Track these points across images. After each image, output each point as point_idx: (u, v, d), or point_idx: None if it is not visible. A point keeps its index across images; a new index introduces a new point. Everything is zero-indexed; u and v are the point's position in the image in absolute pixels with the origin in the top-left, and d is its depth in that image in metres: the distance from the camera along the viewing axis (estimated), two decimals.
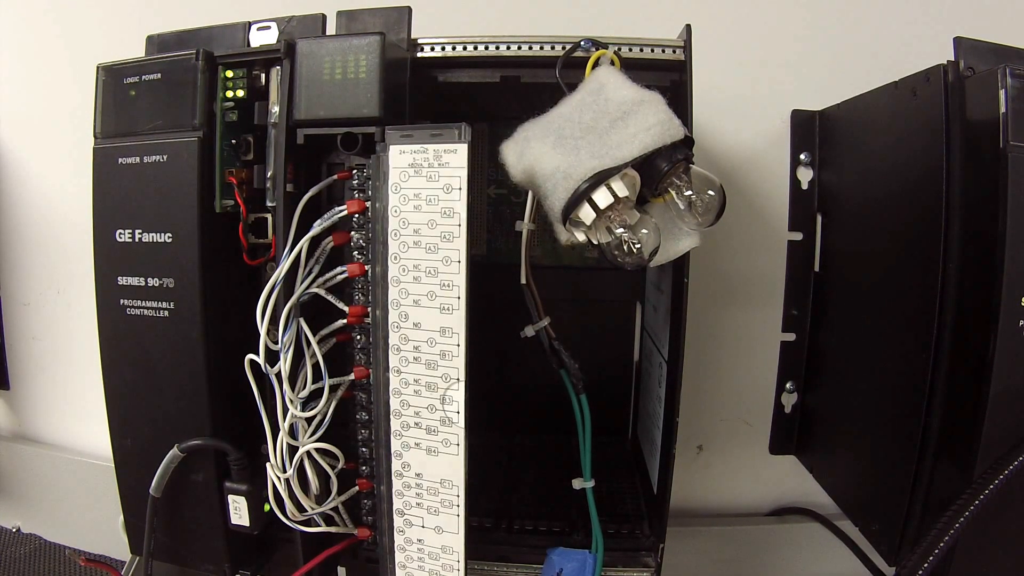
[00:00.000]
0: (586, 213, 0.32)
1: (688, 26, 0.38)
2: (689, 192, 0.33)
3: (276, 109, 0.36)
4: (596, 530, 0.38)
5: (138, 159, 0.37)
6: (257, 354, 0.34)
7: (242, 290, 0.38)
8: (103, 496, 0.62)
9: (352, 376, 0.36)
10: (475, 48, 0.39)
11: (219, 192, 0.37)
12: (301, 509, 0.36)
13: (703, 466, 0.62)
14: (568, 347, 0.37)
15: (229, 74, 0.37)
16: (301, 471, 0.36)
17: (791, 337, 0.59)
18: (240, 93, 0.37)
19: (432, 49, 0.40)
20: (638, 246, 0.32)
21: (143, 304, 0.37)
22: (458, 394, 0.33)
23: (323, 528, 0.37)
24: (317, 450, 0.35)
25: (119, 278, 0.38)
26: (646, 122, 0.32)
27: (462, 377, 0.32)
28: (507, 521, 0.44)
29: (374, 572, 0.38)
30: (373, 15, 0.38)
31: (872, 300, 0.47)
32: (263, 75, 0.37)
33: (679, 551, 0.54)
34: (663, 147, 0.32)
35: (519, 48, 0.39)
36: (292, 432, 0.35)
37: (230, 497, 0.38)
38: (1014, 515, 0.35)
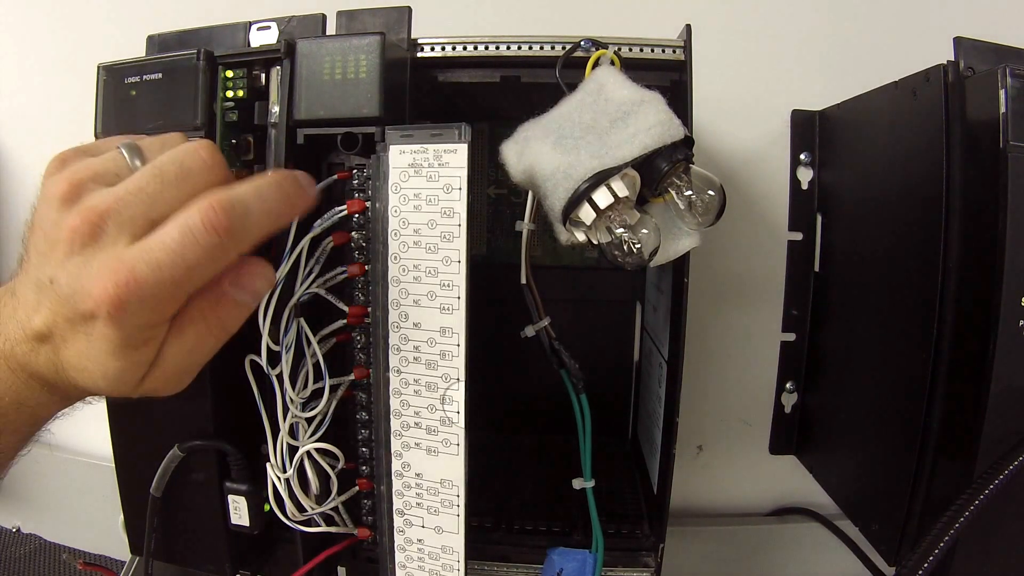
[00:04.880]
0: (586, 213, 0.32)
1: (688, 26, 0.38)
2: (689, 192, 0.33)
3: (276, 109, 0.36)
4: (596, 530, 0.38)
5: None
6: (258, 354, 0.34)
7: None
8: (103, 496, 0.62)
9: (352, 376, 0.36)
10: (475, 48, 0.39)
11: None
12: (301, 509, 0.36)
13: (703, 466, 0.62)
14: (568, 347, 0.37)
15: (229, 74, 0.37)
16: (301, 471, 0.36)
17: (791, 337, 0.59)
18: (240, 93, 0.37)
19: (432, 49, 0.40)
20: (638, 246, 0.32)
21: None
22: (458, 394, 0.33)
23: (323, 528, 0.37)
24: (317, 450, 0.35)
25: None
26: (646, 122, 0.32)
27: (462, 377, 0.32)
28: (507, 521, 0.44)
29: (374, 572, 0.38)
30: (373, 15, 0.38)
31: (872, 300, 0.47)
32: (263, 75, 0.37)
33: (679, 551, 0.54)
34: (663, 147, 0.32)
35: (519, 48, 0.39)
36: (292, 432, 0.35)
37: (230, 497, 0.38)
38: (1014, 515, 0.35)
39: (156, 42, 0.40)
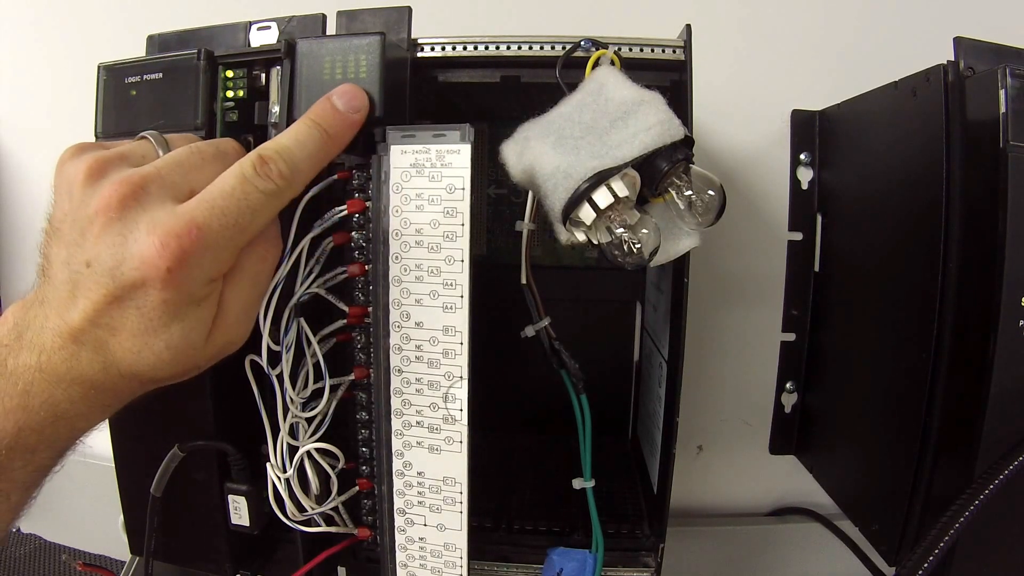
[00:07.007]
0: (586, 213, 0.32)
1: (688, 26, 0.38)
2: (689, 192, 0.33)
3: (276, 109, 0.36)
4: (596, 530, 0.38)
5: None
6: (258, 354, 0.34)
7: None
8: (103, 496, 0.62)
9: (352, 376, 0.36)
10: (475, 48, 0.39)
11: None
12: (301, 509, 0.36)
13: (703, 466, 0.62)
14: (568, 347, 0.37)
15: (229, 74, 0.37)
16: (301, 471, 0.36)
17: (791, 337, 0.59)
18: (240, 93, 0.37)
19: (432, 49, 0.40)
20: (638, 246, 0.32)
21: None
22: (461, 392, 0.33)
23: (323, 528, 0.37)
24: (317, 450, 0.35)
25: None
26: (646, 122, 0.32)
27: (465, 375, 0.33)
28: (507, 521, 0.44)
29: (374, 572, 0.38)
30: (373, 15, 0.38)
31: (872, 300, 0.47)
32: (263, 75, 0.37)
33: (679, 551, 0.54)
34: (663, 147, 0.32)
35: (519, 48, 0.39)
36: (292, 432, 0.35)
37: (230, 497, 0.38)
38: (1014, 515, 0.35)
39: (156, 42, 0.40)
